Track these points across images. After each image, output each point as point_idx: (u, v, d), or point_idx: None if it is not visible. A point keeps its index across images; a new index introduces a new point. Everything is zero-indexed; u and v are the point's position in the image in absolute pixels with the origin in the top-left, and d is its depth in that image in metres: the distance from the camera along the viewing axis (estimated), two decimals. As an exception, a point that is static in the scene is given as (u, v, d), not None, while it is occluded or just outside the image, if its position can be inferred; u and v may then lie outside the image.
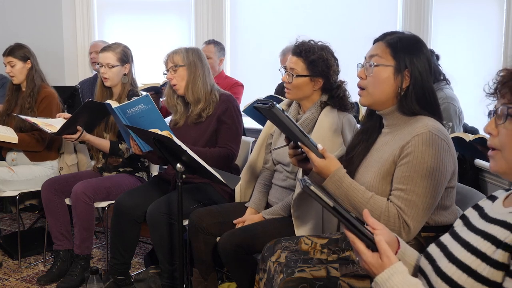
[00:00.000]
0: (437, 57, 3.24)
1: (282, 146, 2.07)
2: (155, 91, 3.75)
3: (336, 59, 2.31)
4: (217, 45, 4.21)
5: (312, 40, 2.30)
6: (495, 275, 1.04)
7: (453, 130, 2.93)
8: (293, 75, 2.26)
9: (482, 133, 3.12)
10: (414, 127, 1.63)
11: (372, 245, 1.17)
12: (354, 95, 2.10)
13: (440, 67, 3.19)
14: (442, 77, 3.16)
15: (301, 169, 1.93)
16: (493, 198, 1.26)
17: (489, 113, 1.14)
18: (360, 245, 1.17)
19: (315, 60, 2.24)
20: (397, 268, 1.14)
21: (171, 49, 2.78)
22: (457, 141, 2.56)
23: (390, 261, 1.14)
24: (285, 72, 2.30)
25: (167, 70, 2.74)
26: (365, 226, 1.21)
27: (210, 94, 2.71)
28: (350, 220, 1.17)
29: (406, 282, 1.12)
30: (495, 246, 1.06)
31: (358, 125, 2.27)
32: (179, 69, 2.70)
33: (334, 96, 2.29)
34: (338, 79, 2.32)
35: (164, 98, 2.99)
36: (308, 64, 2.25)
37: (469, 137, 2.54)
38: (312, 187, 1.19)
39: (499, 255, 1.04)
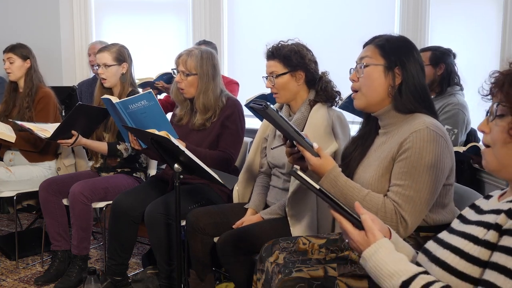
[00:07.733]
0: (454, 56, 3.14)
1: (280, 145, 2.08)
2: (151, 87, 3.73)
3: (309, 50, 2.34)
4: (208, 45, 4.19)
5: (281, 41, 2.33)
6: (485, 254, 1.09)
7: (457, 138, 2.91)
8: (273, 77, 2.29)
9: (480, 134, 3.12)
10: (412, 124, 1.64)
11: (358, 224, 1.23)
12: (346, 90, 2.11)
13: (456, 68, 3.10)
14: (456, 81, 3.07)
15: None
16: (489, 198, 1.28)
17: (486, 113, 1.18)
18: (347, 225, 1.23)
19: (287, 54, 2.27)
20: (382, 243, 1.19)
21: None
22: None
23: (375, 237, 1.20)
24: (267, 79, 2.34)
25: (177, 71, 2.67)
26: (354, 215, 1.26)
27: (219, 100, 2.67)
28: (336, 201, 1.23)
29: (391, 255, 1.18)
30: (487, 229, 1.12)
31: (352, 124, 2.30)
32: (191, 77, 2.64)
33: (319, 90, 2.31)
34: (320, 72, 2.34)
35: (169, 94, 2.93)
36: (282, 60, 2.28)
37: (462, 148, 2.64)
38: (298, 172, 1.28)
39: (490, 235, 1.09)
